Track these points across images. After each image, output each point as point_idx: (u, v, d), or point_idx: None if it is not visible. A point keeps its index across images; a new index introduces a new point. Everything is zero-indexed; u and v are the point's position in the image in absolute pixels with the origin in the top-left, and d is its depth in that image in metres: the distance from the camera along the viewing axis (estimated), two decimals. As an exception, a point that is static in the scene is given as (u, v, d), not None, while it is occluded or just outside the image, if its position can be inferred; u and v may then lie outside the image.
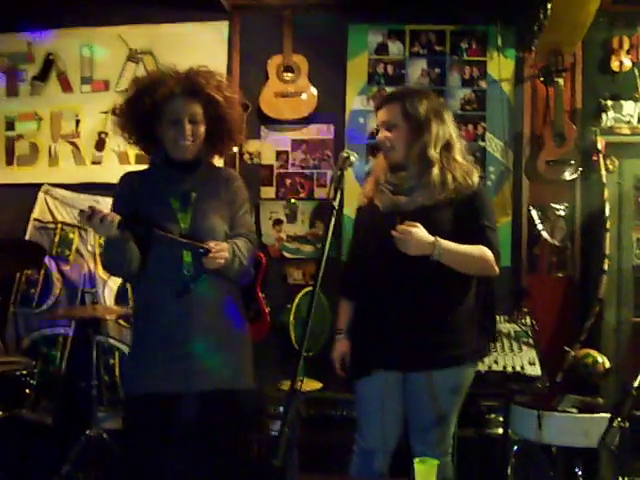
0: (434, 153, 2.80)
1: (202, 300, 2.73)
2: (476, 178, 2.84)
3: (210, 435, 2.83)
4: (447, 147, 2.84)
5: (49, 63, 4.47)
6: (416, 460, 2.45)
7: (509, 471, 3.30)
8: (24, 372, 3.68)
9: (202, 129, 2.75)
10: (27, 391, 3.70)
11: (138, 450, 2.78)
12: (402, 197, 2.82)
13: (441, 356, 2.80)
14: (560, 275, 4.19)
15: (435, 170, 2.78)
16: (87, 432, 3.80)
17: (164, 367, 2.71)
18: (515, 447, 3.34)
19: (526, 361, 3.60)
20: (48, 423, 4.09)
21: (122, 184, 2.86)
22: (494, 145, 4.20)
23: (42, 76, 4.48)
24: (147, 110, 2.71)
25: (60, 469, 3.72)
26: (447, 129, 2.87)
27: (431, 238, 2.67)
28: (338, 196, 2.47)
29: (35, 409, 3.99)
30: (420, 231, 2.66)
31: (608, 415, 2.90)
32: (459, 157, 2.87)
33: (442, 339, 2.79)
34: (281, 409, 3.83)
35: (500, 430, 3.56)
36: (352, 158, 2.61)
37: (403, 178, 2.84)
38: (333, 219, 2.41)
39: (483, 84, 4.22)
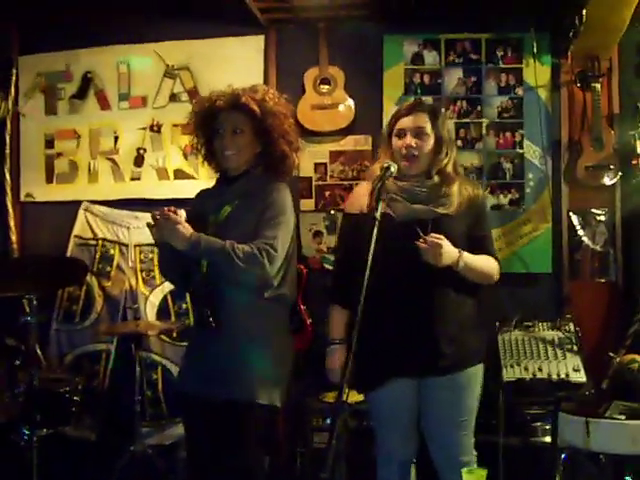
0: (451, 167, 2.91)
1: (228, 308, 2.79)
2: (482, 190, 3.01)
3: (215, 449, 2.82)
4: (455, 162, 2.97)
5: (87, 81, 4.52)
6: (464, 470, 2.44)
7: (557, 480, 3.27)
8: (67, 389, 3.70)
9: (246, 140, 2.83)
10: (72, 408, 3.71)
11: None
12: (420, 206, 2.84)
13: (459, 359, 2.84)
14: (603, 280, 4.15)
15: (456, 184, 2.89)
16: (131, 448, 3.82)
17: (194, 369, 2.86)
18: (563, 455, 3.30)
19: (571, 368, 3.56)
20: (92, 439, 4.12)
21: (194, 200, 3.06)
22: (532, 152, 4.19)
23: (80, 94, 4.53)
24: (201, 125, 2.89)
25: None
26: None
27: (456, 251, 2.76)
28: (380, 207, 2.51)
29: (78, 426, 4.01)
30: (447, 243, 2.72)
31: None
32: (461, 170, 3.05)
33: (457, 342, 2.83)
34: (327, 421, 3.84)
35: (546, 438, 3.53)
36: (392, 168, 2.67)
37: (420, 187, 2.87)
38: (376, 230, 2.44)
39: (520, 91, 4.21)
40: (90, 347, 4.41)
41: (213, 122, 2.85)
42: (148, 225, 2.75)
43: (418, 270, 2.75)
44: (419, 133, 2.87)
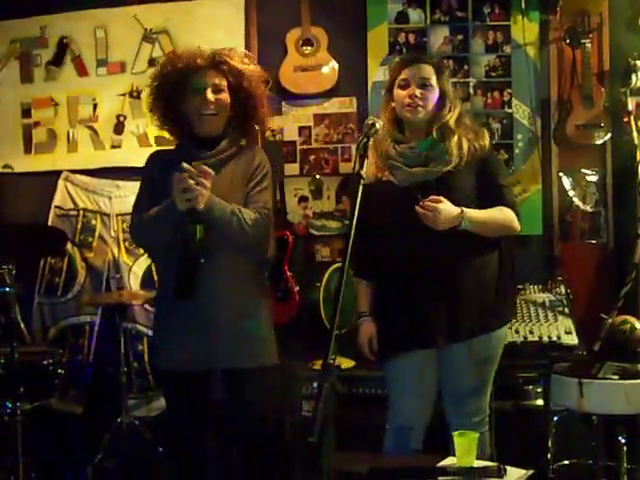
0: (453, 122, 2.82)
1: (220, 276, 2.71)
2: (487, 139, 2.87)
3: (239, 415, 2.85)
4: (460, 115, 2.88)
5: (63, 47, 4.38)
6: (455, 433, 2.44)
7: (550, 442, 3.22)
8: (51, 361, 3.61)
9: (227, 100, 2.74)
10: (55, 381, 3.64)
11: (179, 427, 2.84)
12: (419, 168, 2.77)
13: (476, 325, 2.79)
14: (594, 242, 4.09)
15: (454, 138, 2.80)
16: (118, 420, 3.76)
17: (187, 345, 2.73)
18: (555, 417, 3.25)
19: (562, 330, 3.53)
20: (78, 413, 4.06)
21: (146, 167, 2.89)
22: (521, 112, 4.10)
23: (57, 61, 4.39)
24: (173, 85, 2.74)
25: (93, 458, 3.68)
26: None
27: (457, 210, 2.67)
28: (365, 164, 2.40)
29: (63, 399, 3.94)
30: (446, 205, 2.64)
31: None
32: (468, 121, 2.93)
33: (475, 308, 2.77)
34: (314, 387, 3.78)
35: (538, 402, 3.49)
36: (377, 125, 2.57)
37: (416, 148, 2.79)
38: (361, 188, 2.34)
39: (508, 49, 4.10)
40: (74, 320, 4.32)
41: (187, 82, 2.73)
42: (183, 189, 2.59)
43: (429, 235, 2.67)
44: (424, 84, 2.79)
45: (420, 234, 2.68)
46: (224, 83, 2.74)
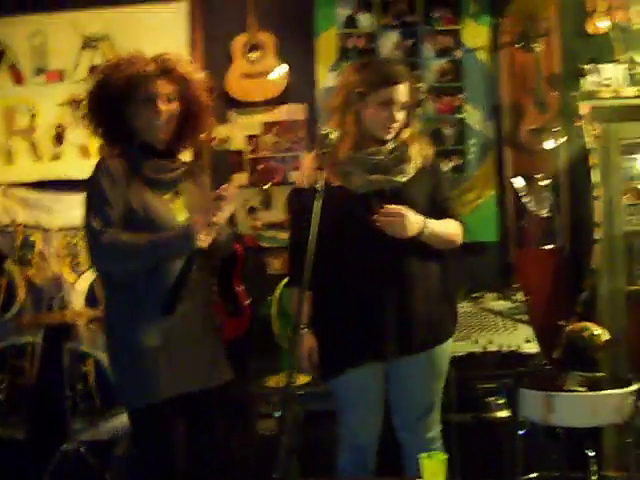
0: (414, 131, 2.76)
1: (196, 289, 2.58)
2: (432, 149, 2.83)
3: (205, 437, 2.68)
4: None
5: (-2, 53, 4.19)
6: (422, 456, 2.31)
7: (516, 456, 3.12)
8: None
9: (177, 109, 2.58)
10: None
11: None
12: (378, 176, 2.67)
13: (427, 337, 2.71)
14: (549, 247, 4.03)
15: (415, 147, 2.73)
16: (63, 447, 3.58)
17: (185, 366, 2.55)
18: (521, 431, 3.15)
19: (522, 339, 3.48)
20: (20, 438, 3.86)
21: (106, 172, 2.52)
22: (473, 116, 4.03)
23: (-10, 68, 4.19)
24: (118, 92, 2.53)
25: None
26: None
27: (421, 218, 2.59)
28: (322, 178, 2.32)
29: (4, 424, 3.79)
30: (410, 213, 2.56)
31: (616, 391, 2.80)
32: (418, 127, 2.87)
33: (425, 319, 2.69)
34: (271, 408, 3.64)
35: (500, 413, 3.40)
36: (332, 135, 2.47)
37: (375, 155, 2.69)
38: (319, 204, 2.26)
39: (458, 54, 4.04)
40: (15, 340, 4.11)
41: (134, 90, 2.53)
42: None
43: (381, 244, 2.58)
44: (402, 106, 2.68)
45: (371, 242, 2.60)
46: (173, 91, 2.58)
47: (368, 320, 2.65)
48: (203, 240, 2.41)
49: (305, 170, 2.77)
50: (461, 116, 4.05)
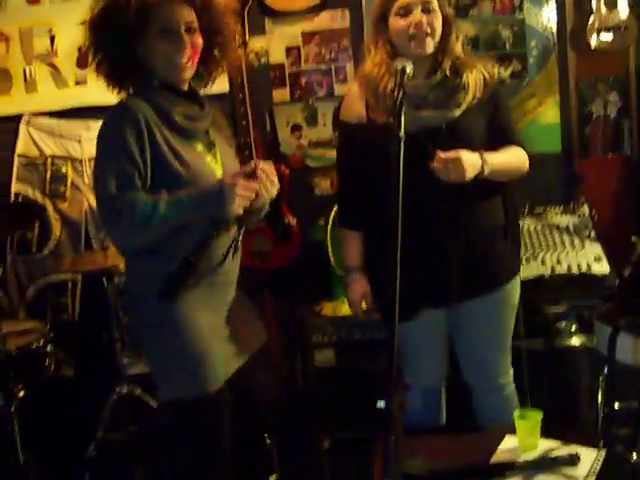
0: (462, 52, 2.47)
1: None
2: (496, 71, 2.57)
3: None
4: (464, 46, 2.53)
5: (7, -31, 3.80)
6: (516, 415, 2.22)
7: (600, 393, 2.96)
8: (41, 343, 3.26)
9: (200, 41, 2.19)
10: (47, 363, 3.31)
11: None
12: (428, 111, 2.40)
13: (493, 278, 2.53)
14: (617, 155, 3.77)
15: (472, 72, 2.43)
16: (117, 389, 3.47)
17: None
18: (606, 369, 2.93)
19: (592, 258, 3.28)
20: (70, 376, 3.75)
21: (131, 120, 2.08)
22: (534, 16, 3.68)
23: (0, -15, 3.81)
24: (130, 19, 2.08)
25: (95, 433, 3.39)
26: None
27: (478, 157, 2.33)
28: (403, 122, 2.02)
29: (53, 363, 3.62)
30: (466, 155, 2.30)
31: None
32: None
33: (490, 258, 2.50)
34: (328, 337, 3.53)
35: (572, 341, 3.26)
36: (408, 69, 2.17)
37: (423, 87, 2.41)
38: (402, 154, 2.00)
39: (518, -54, 3.64)
40: (54, 277, 3.93)
41: (151, 16, 2.10)
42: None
43: (435, 185, 2.33)
44: (427, 9, 2.35)
45: (423, 185, 2.33)
46: (196, 20, 2.18)
47: (424, 264, 2.45)
48: (238, 204, 2.05)
49: (356, 104, 2.50)
50: (521, 16, 3.69)
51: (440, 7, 2.39)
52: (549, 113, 3.74)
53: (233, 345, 2.26)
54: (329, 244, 3.58)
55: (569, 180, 3.77)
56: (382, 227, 2.32)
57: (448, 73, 2.42)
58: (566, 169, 3.79)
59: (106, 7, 2.12)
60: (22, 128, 3.88)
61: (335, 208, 3.50)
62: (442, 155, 2.29)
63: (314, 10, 3.75)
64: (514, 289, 2.60)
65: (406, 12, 2.35)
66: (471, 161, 2.31)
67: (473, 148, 2.35)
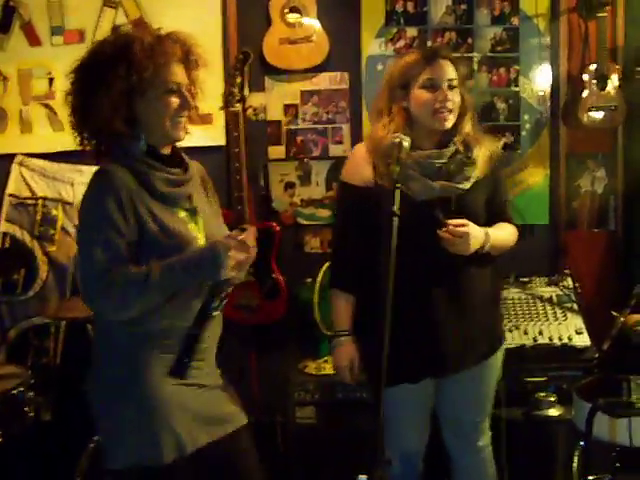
0: (473, 129, 2.56)
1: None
2: (498, 148, 2.66)
3: None
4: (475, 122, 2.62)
5: (9, 11, 3.78)
6: None
7: (574, 470, 2.99)
8: (21, 389, 3.17)
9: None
10: (26, 409, 3.22)
11: None
12: (441, 182, 2.47)
13: (485, 348, 2.60)
14: (602, 230, 3.84)
15: (481, 149, 2.52)
16: (96, 437, 3.38)
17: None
18: (582, 442, 2.96)
19: (573, 330, 3.36)
20: (47, 419, 3.68)
21: (111, 189, 2.01)
22: (529, 90, 3.75)
23: (3, 27, 3.79)
24: (141, 79, 2.04)
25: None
26: None
27: (483, 233, 2.45)
28: (397, 197, 2.15)
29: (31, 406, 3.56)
30: (474, 229, 2.41)
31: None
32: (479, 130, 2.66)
33: (484, 330, 2.58)
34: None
35: (551, 411, 3.28)
36: (405, 143, 2.26)
37: (436, 158, 2.48)
38: (395, 228, 2.13)
39: (515, 21, 3.71)
40: (37, 320, 3.88)
41: (154, 77, 2.06)
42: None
43: (439, 255, 2.42)
44: (451, 86, 2.45)
45: (427, 254, 2.45)
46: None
47: (421, 334, 2.50)
48: (232, 268, 2.02)
49: (362, 168, 2.54)
50: (516, 89, 3.76)
51: (461, 85, 2.50)
52: (539, 185, 3.80)
53: (204, 418, 2.17)
54: (316, 302, 3.57)
55: (555, 251, 3.83)
56: (378, 291, 2.40)
57: (461, 148, 2.50)
58: (552, 241, 3.85)
59: (120, 56, 2.05)
60: (14, 168, 3.86)
61: (324, 267, 3.54)
62: (452, 227, 2.37)
63: (314, 70, 3.78)
64: (500, 357, 2.68)
65: (433, 86, 2.43)
66: (476, 235, 2.41)
67: (476, 221, 2.44)
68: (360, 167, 2.55)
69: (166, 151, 2.17)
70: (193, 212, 2.19)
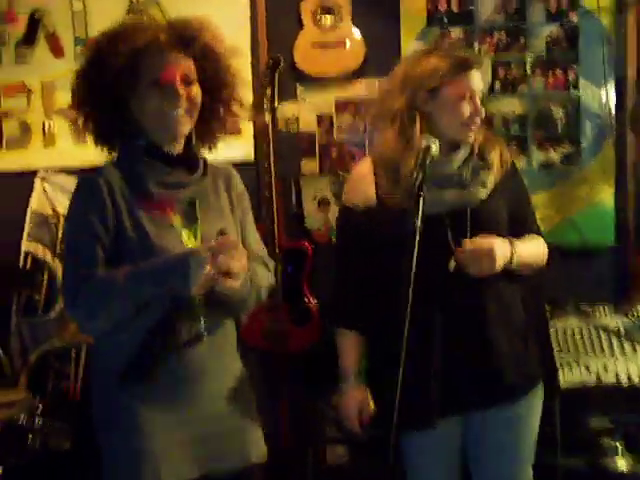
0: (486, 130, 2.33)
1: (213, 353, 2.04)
2: (510, 151, 2.42)
3: None
4: None
5: (35, 23, 3.72)
6: None
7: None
8: (25, 419, 3.05)
9: (199, 94, 1.98)
10: (29, 440, 3.08)
11: None
12: (453, 192, 2.18)
13: (519, 383, 2.25)
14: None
15: (496, 151, 2.26)
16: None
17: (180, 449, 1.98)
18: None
19: (644, 367, 2.96)
20: (66, 448, 3.50)
21: (89, 192, 1.95)
22: (590, 94, 3.39)
23: (28, 39, 3.74)
24: (116, 73, 1.91)
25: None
26: None
27: (508, 246, 2.15)
28: (420, 208, 1.88)
29: (48, 433, 3.37)
30: (498, 244, 2.11)
31: None
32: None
33: (514, 362, 2.23)
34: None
35: (618, 463, 2.89)
36: (434, 148, 2.00)
37: (450, 163, 2.20)
38: (417, 242, 1.86)
39: (574, 17, 3.38)
40: (57, 343, 3.70)
41: (142, 68, 1.92)
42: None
43: (456, 277, 2.09)
44: (481, 94, 2.23)
45: (442, 277, 2.11)
46: (194, 70, 1.97)
47: (440, 368, 2.18)
48: (206, 282, 1.85)
49: (364, 184, 2.26)
50: (576, 94, 3.40)
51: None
52: (603, 202, 3.41)
53: (195, 448, 1.97)
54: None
55: (622, 276, 3.44)
56: (386, 326, 2.11)
57: (470, 151, 2.23)
58: (619, 264, 3.45)
59: (93, 55, 1.98)
60: (37, 183, 3.75)
61: None
62: (471, 244, 2.06)
63: (350, 77, 3.55)
64: (535, 402, 2.30)
65: (465, 96, 2.18)
66: (502, 250, 2.11)
67: (498, 235, 2.13)
68: (361, 185, 2.27)
69: (176, 150, 2.01)
70: (191, 219, 2.00)
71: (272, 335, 3.39)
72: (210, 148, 2.13)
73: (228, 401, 2.05)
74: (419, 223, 1.86)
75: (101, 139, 2.05)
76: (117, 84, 1.92)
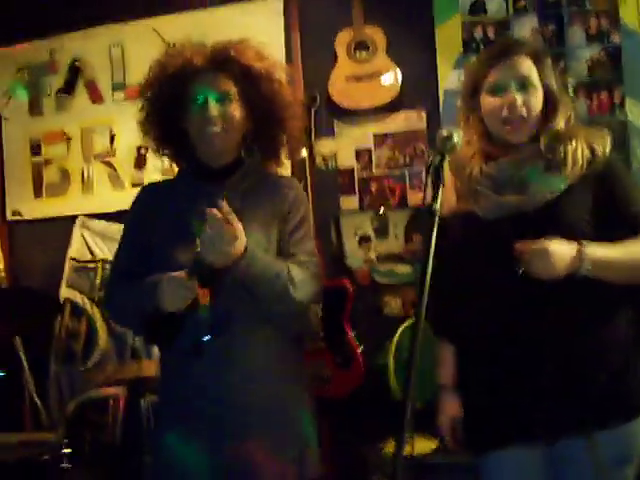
0: (564, 125, 2.05)
1: (232, 357, 2.00)
2: (608, 141, 2.04)
3: None
4: (569, 116, 2.11)
5: (75, 71, 3.81)
6: None
7: None
8: (46, 457, 2.95)
9: (237, 112, 2.03)
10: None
11: None
12: (511, 196, 2.00)
13: (606, 410, 1.96)
14: None
15: (570, 145, 1.99)
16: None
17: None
18: None
19: None
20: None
21: (136, 202, 2.21)
22: (637, 113, 3.24)
23: (68, 87, 3.83)
24: (167, 95, 2.06)
25: None
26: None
27: (573, 247, 1.90)
28: (440, 194, 1.73)
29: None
30: (554, 246, 1.88)
31: None
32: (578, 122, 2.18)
33: (599, 389, 1.96)
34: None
35: None
36: (455, 138, 1.80)
37: (510, 163, 2.03)
38: (435, 227, 1.70)
39: (616, 38, 3.27)
40: (95, 393, 3.62)
41: (184, 89, 2.02)
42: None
43: (532, 284, 1.90)
44: (524, 85, 2.00)
45: (514, 285, 1.92)
46: (233, 89, 2.02)
47: (516, 388, 1.97)
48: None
49: (447, 193, 2.07)
50: (621, 116, 3.25)
51: (542, 79, 2.02)
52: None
53: None
54: (391, 368, 3.13)
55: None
56: (470, 338, 2.02)
57: (541, 150, 2.02)
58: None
59: (147, 84, 2.13)
60: (76, 230, 3.77)
61: (402, 326, 3.17)
62: (522, 244, 1.87)
63: (387, 109, 3.48)
64: (635, 436, 2.00)
65: (498, 89, 2.01)
66: (562, 252, 1.88)
67: (574, 239, 1.91)
68: (447, 193, 2.06)
69: (221, 162, 2.08)
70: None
71: (314, 379, 3.22)
72: (278, 165, 2.21)
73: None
74: (437, 209, 1.71)
75: (167, 154, 2.21)
76: (168, 106, 2.07)
